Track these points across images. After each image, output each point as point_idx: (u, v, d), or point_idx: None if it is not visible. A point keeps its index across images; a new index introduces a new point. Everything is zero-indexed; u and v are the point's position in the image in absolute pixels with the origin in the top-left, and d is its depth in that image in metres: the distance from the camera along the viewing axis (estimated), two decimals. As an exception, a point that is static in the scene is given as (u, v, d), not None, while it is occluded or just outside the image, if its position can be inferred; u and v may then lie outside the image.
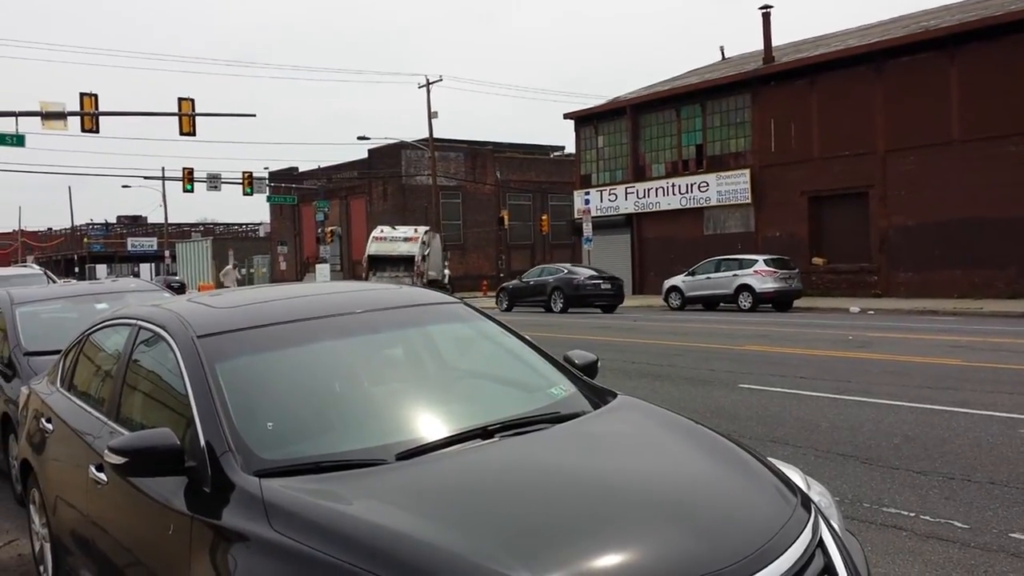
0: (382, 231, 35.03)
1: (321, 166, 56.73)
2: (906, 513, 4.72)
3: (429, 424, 3.04)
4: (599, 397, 3.36)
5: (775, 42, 35.43)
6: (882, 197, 28.71)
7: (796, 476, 2.89)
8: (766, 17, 34.37)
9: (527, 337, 3.78)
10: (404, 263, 33.25)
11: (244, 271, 65.77)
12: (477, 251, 51.37)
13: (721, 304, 26.47)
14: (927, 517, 4.64)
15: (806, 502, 2.61)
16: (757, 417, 7.56)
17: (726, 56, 43.70)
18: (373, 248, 34.27)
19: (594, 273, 27.61)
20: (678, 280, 27.91)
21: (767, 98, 32.40)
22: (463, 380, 3.72)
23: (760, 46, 35.44)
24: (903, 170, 28.08)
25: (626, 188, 37.58)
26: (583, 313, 25.44)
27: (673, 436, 3.03)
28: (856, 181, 29.40)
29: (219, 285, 38.17)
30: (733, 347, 13.59)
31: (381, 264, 33.71)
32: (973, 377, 9.48)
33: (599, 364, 3.89)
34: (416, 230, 34.80)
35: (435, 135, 46.13)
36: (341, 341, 3.40)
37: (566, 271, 28.16)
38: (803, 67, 31.23)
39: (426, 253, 33.55)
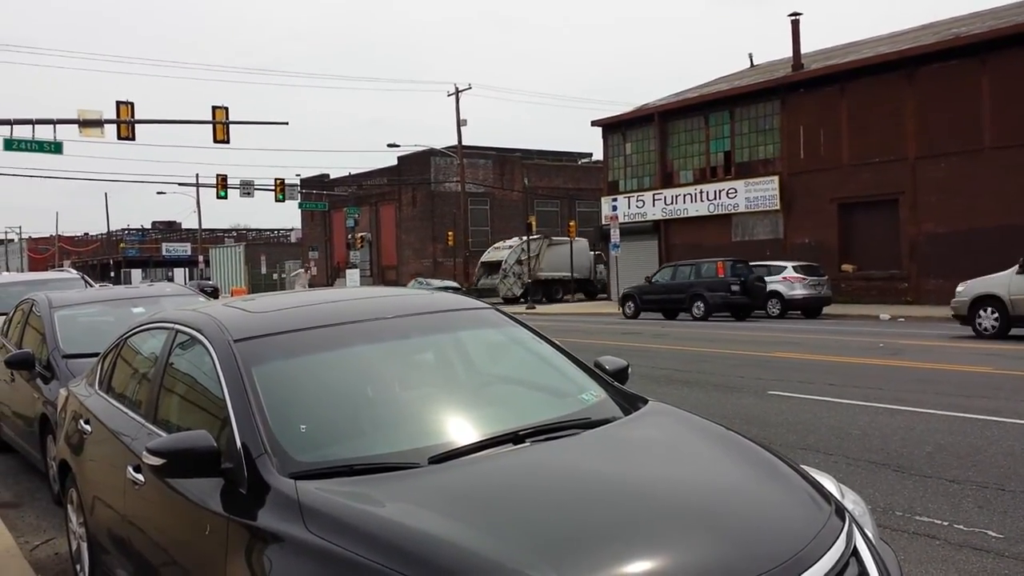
0: (497, 245, 44.93)
1: (351, 173, 57.24)
2: (939, 522, 4.67)
3: (461, 429, 3.06)
4: (630, 403, 3.36)
5: (804, 49, 35.18)
6: (912, 204, 28.38)
7: (830, 484, 2.88)
8: (795, 24, 34.17)
9: (558, 343, 3.80)
10: (495, 267, 42.60)
11: (276, 276, 66.45)
12: (504, 257, 51.36)
13: (752, 312, 26.23)
14: (961, 526, 4.59)
15: (840, 510, 2.60)
16: (787, 424, 7.51)
17: (755, 63, 43.46)
18: (485, 256, 44.21)
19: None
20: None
21: (796, 105, 32.17)
22: (494, 385, 3.74)
23: (789, 53, 35.20)
24: (934, 177, 27.74)
25: (653, 195, 37.45)
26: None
27: (705, 442, 3.03)
28: (886, 188, 29.08)
29: (289, 287, 38.70)
30: (762, 354, 13.49)
31: (487, 268, 43.41)
32: (1005, 385, 9.35)
33: (629, 370, 3.90)
34: (520, 239, 43.08)
35: (464, 142, 46.32)
36: (374, 346, 3.44)
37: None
38: (833, 74, 30.98)
39: (523, 257, 41.53)
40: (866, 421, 7.51)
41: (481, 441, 2.84)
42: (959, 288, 16.87)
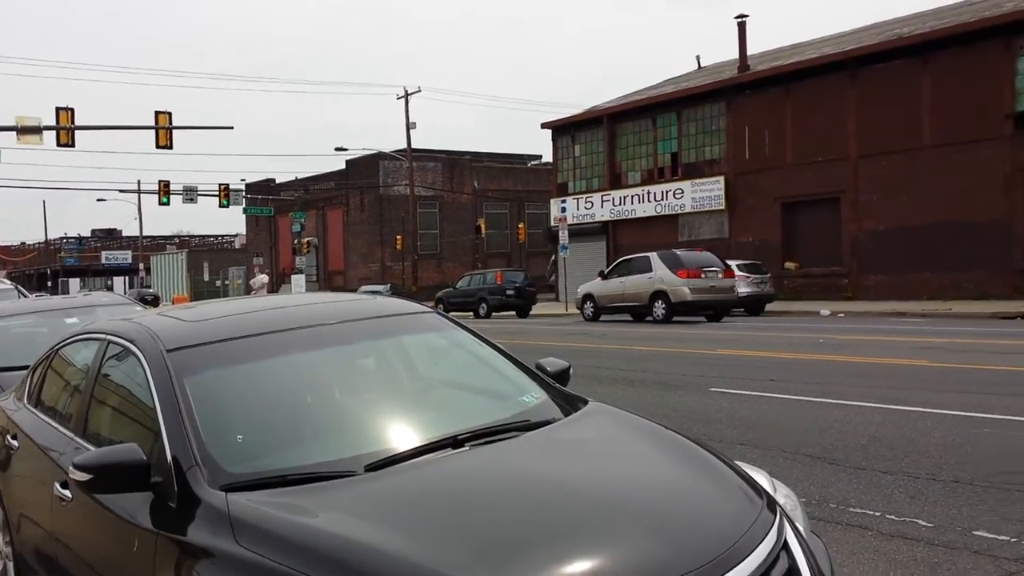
0: None
1: (298, 177, 56.56)
2: (872, 513, 4.80)
3: (399, 434, 3.06)
4: (570, 404, 3.40)
5: (751, 51, 35.81)
6: (854, 202, 29.07)
7: (762, 479, 2.95)
8: (741, 27, 34.77)
9: (500, 346, 3.82)
10: None
11: (220, 283, 65.38)
12: (454, 260, 51.37)
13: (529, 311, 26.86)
14: (892, 516, 4.73)
15: (771, 504, 2.66)
16: (728, 420, 7.65)
17: (702, 65, 44.08)
18: None
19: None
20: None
21: (742, 106, 32.73)
22: (435, 390, 3.75)
23: (736, 55, 35.80)
24: (875, 175, 28.45)
25: (602, 196, 37.78)
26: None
27: (641, 441, 3.08)
28: (828, 187, 29.76)
29: (249, 292, 38.20)
30: (705, 351, 13.70)
31: None
32: (940, 378, 9.64)
33: (571, 371, 3.94)
34: None
35: (413, 145, 46.15)
36: (313, 353, 3.41)
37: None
38: (778, 75, 31.59)
39: None
40: (804, 415, 7.69)
41: (419, 447, 2.84)
42: None
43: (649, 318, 22.83)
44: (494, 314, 31.25)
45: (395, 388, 3.63)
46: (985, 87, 25.81)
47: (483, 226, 41.16)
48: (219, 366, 3.18)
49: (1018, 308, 20.57)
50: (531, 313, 31.37)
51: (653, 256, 23.58)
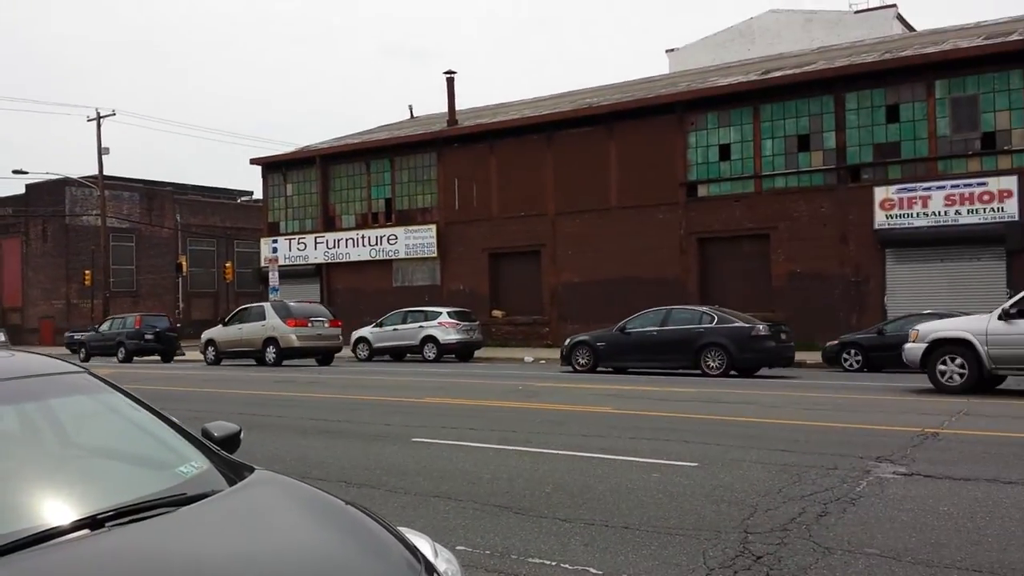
0: None
1: (-37, 200, 49.67)
2: (549, 562, 4.99)
3: (29, 514, 2.66)
4: (235, 472, 3.17)
5: (461, 105, 37.38)
6: (552, 256, 31.19)
7: (426, 545, 2.93)
8: (450, 82, 36.19)
9: (158, 410, 3.49)
10: None
11: None
12: (153, 298, 47.79)
13: (408, 355, 26.96)
14: (567, 565, 4.94)
15: (430, 571, 2.67)
16: (425, 472, 7.68)
17: (415, 115, 45.21)
18: None
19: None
20: (366, 331, 28.03)
21: (451, 158, 33.97)
22: (80, 460, 3.33)
23: (446, 108, 37.16)
24: (569, 232, 30.78)
25: (315, 237, 37.18)
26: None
27: (303, 513, 2.94)
28: (530, 240, 31.70)
29: None
30: (413, 400, 13.80)
31: None
32: (619, 424, 10.44)
33: (242, 435, 3.69)
34: None
35: (107, 173, 42.42)
36: None
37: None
38: (482, 132, 33.26)
39: None
40: (497, 464, 7.92)
41: (50, 529, 2.49)
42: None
43: (267, 362, 25.34)
44: (135, 359, 31.72)
45: (32, 460, 3.17)
46: (662, 156, 29.07)
47: (184, 263, 38.63)
48: None
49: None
50: (176, 359, 32.40)
51: (267, 306, 26.63)
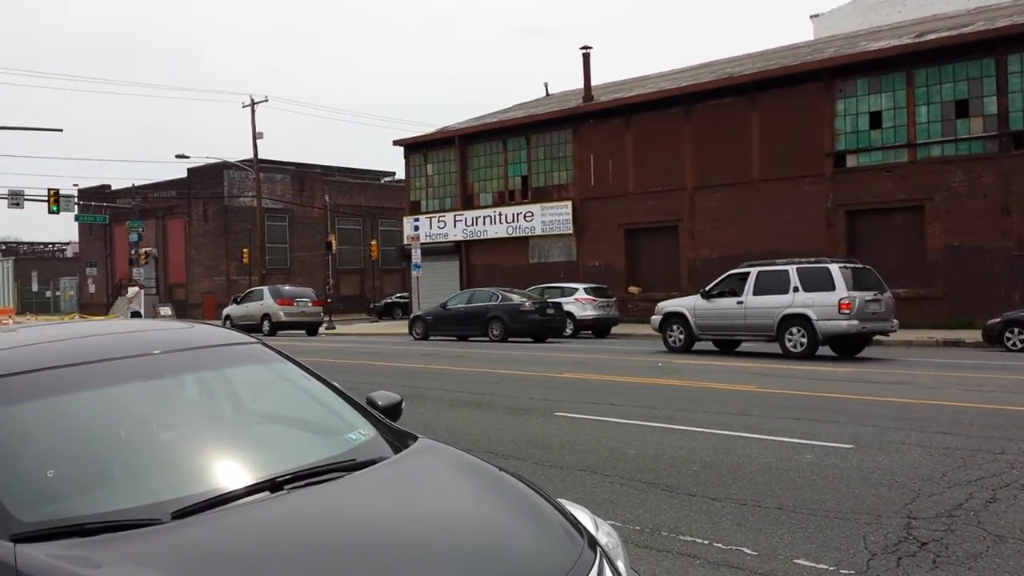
0: None
1: (136, 184, 53.57)
2: (700, 541, 4.94)
3: (214, 477, 2.86)
4: (400, 441, 3.30)
5: (596, 81, 37.03)
6: (690, 231, 30.54)
7: (586, 517, 2.95)
8: (586, 58, 35.93)
9: (328, 379, 3.67)
10: None
11: (49, 294, 60.84)
12: (304, 275, 50.06)
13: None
14: (720, 544, 4.88)
15: (592, 544, 2.68)
16: (569, 446, 7.74)
17: (550, 92, 45.17)
18: None
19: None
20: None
21: (587, 134, 33.75)
22: (256, 427, 3.54)
23: (581, 85, 36.91)
24: (708, 206, 30.04)
25: (455, 216, 37.90)
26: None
27: (467, 481, 3.02)
28: (667, 215, 31.15)
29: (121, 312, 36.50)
30: (552, 375, 13.91)
31: None
32: (767, 403, 10.16)
33: (403, 405, 3.84)
34: None
35: (261, 156, 44.72)
36: (125, 386, 3.14)
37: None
38: (619, 107, 32.82)
39: None
40: (642, 440, 7.89)
41: (233, 491, 2.66)
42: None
43: (262, 332, 30.54)
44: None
45: (213, 426, 3.40)
46: (807, 127, 27.82)
47: (334, 242, 40.25)
48: (14, 402, 2.87)
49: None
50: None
51: (265, 289, 33.69)
